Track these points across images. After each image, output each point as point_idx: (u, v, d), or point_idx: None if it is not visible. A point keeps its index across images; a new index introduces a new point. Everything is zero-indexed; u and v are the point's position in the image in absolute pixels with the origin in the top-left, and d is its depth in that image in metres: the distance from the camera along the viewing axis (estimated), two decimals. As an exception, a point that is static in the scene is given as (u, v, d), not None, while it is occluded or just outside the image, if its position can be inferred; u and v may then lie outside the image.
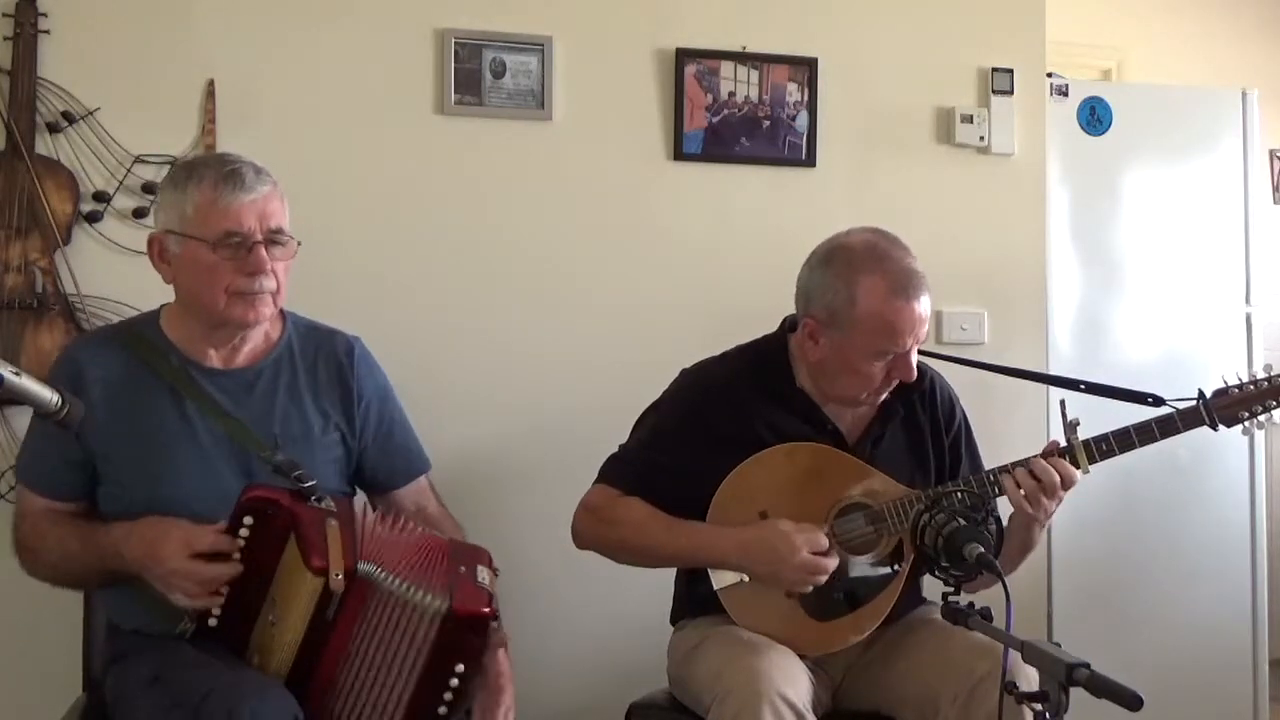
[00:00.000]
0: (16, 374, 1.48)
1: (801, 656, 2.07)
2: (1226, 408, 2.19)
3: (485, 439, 2.79)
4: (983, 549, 1.72)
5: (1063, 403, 2.21)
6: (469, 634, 1.81)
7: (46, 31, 2.55)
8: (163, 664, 1.80)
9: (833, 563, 2.08)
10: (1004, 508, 2.20)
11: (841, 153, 3.03)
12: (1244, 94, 3.49)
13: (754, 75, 2.96)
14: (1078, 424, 2.15)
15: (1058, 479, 2.09)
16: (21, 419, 2.07)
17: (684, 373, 2.29)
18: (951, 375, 2.40)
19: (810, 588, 2.10)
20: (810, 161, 3.00)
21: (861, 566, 2.14)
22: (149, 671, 1.81)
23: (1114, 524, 3.29)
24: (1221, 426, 2.19)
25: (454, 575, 1.84)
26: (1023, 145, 3.15)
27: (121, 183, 2.58)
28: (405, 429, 2.16)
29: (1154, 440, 2.18)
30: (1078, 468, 2.14)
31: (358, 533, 1.82)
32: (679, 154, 2.92)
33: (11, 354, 2.46)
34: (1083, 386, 2.46)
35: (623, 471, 2.22)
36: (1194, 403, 2.19)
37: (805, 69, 2.99)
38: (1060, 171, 3.28)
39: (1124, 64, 4.49)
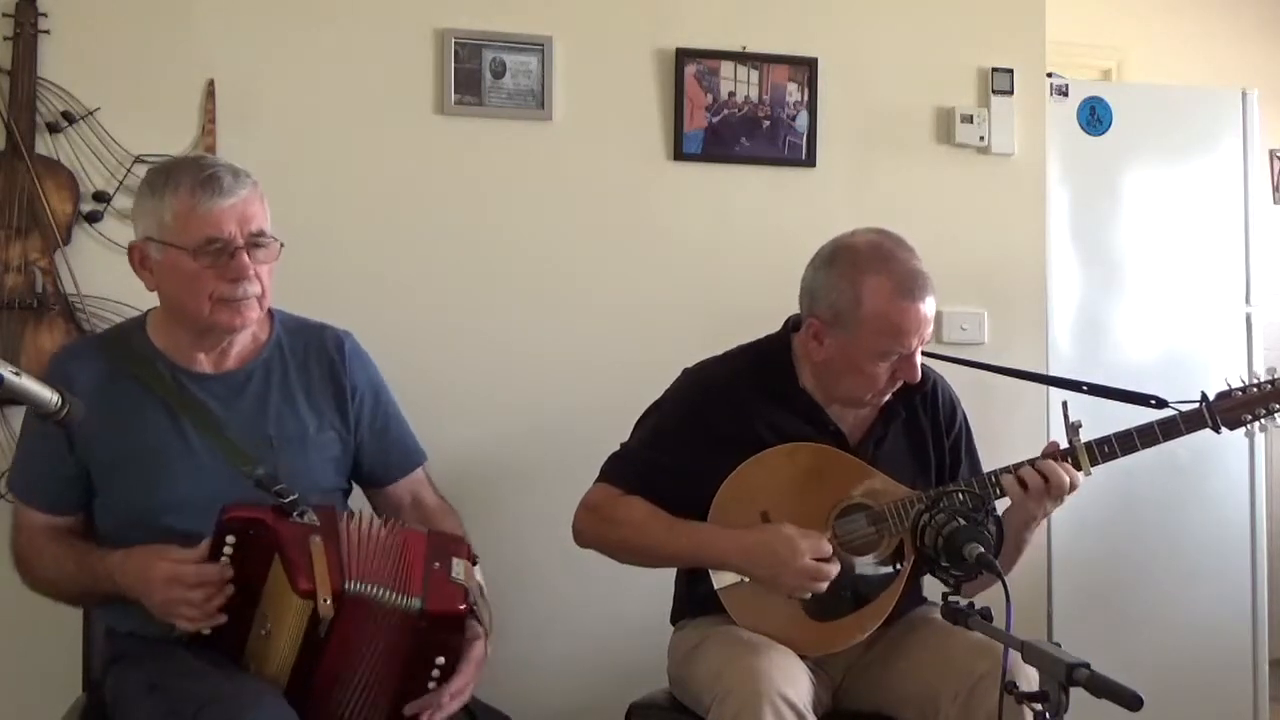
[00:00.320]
0: (16, 374, 1.48)
1: (802, 656, 2.07)
2: (1229, 410, 2.19)
3: (485, 439, 2.79)
4: (983, 549, 1.73)
5: (1065, 404, 2.21)
6: (444, 631, 1.81)
7: (46, 31, 2.55)
8: (161, 671, 1.79)
9: (834, 569, 2.08)
10: (1003, 508, 2.21)
11: (841, 153, 3.03)
12: (1244, 94, 3.49)
13: (754, 75, 2.96)
14: (1080, 426, 2.15)
15: (1067, 481, 2.09)
16: (20, 420, 2.06)
17: (686, 372, 2.29)
18: (951, 375, 2.40)
19: (810, 594, 2.10)
20: (810, 161, 3.00)
21: (863, 567, 2.14)
22: (147, 678, 1.80)
23: (1114, 524, 3.29)
24: (1224, 429, 2.19)
25: (428, 572, 1.82)
26: (1023, 145, 3.15)
27: (121, 183, 2.57)
28: (400, 422, 2.14)
29: (1156, 443, 2.18)
30: (1079, 469, 2.14)
31: (343, 546, 1.79)
32: (679, 154, 2.92)
33: (11, 354, 2.46)
34: (1085, 388, 2.46)
35: (624, 471, 2.21)
36: (1196, 405, 2.19)
37: (805, 69, 2.99)
38: (1060, 171, 3.28)
39: (1124, 64, 4.49)
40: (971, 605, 1.66)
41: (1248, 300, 3.46)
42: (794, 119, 2.99)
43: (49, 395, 1.52)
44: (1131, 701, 1.34)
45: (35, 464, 1.95)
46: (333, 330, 2.10)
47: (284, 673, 1.78)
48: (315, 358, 2.04)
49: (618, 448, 2.27)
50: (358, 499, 2.14)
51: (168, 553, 1.78)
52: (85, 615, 2.12)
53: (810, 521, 2.12)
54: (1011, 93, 3.13)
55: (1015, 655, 1.55)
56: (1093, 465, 2.15)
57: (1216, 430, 2.19)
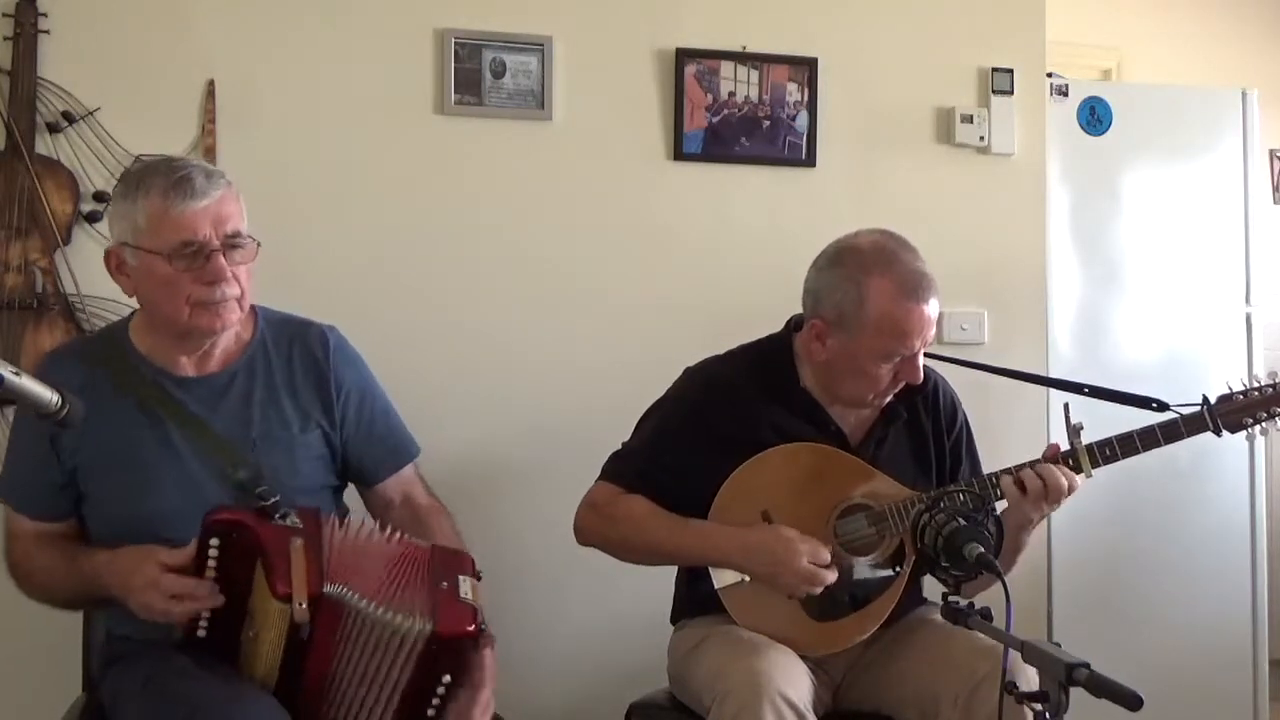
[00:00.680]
0: (16, 374, 1.47)
1: (802, 656, 2.07)
2: (1230, 413, 2.19)
3: (485, 439, 2.79)
4: (982, 549, 1.72)
5: (1066, 406, 2.21)
6: (454, 651, 1.80)
7: (46, 31, 2.55)
8: (155, 672, 1.79)
9: (832, 575, 2.08)
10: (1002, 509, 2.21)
11: (841, 153, 3.03)
12: (1244, 94, 3.48)
13: (754, 75, 2.96)
14: (1081, 428, 2.15)
15: (1065, 485, 2.09)
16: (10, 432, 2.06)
17: (687, 371, 2.29)
18: (951, 375, 2.40)
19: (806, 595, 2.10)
20: (810, 161, 3.00)
21: (863, 567, 2.14)
22: (142, 679, 1.80)
23: (1114, 524, 3.28)
24: (1225, 432, 2.19)
25: (435, 593, 1.80)
26: (1023, 145, 3.15)
27: (121, 183, 2.57)
28: (388, 418, 2.11)
29: (1157, 445, 2.18)
30: (1080, 472, 2.14)
31: (326, 549, 1.78)
32: (679, 154, 2.92)
33: (11, 354, 2.46)
34: (1087, 390, 2.45)
35: (625, 469, 2.22)
36: (1197, 408, 2.19)
37: (805, 69, 2.99)
38: (1060, 171, 3.28)
39: (1124, 64, 4.49)
40: (971, 605, 1.66)
41: (1248, 300, 3.46)
42: (794, 119, 2.99)
43: (49, 395, 1.52)
44: (1131, 701, 1.34)
45: (23, 471, 1.95)
46: (317, 327, 2.07)
47: (271, 675, 1.78)
48: (300, 355, 2.02)
49: (619, 447, 2.27)
50: (354, 500, 2.14)
51: (155, 554, 1.77)
52: (85, 615, 2.12)
53: (811, 521, 2.12)
54: (1011, 93, 3.13)
55: (1015, 655, 1.55)
56: (1094, 467, 2.15)
57: (1217, 433, 2.19)
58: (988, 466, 2.25)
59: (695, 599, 2.21)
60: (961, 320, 3.08)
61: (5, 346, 2.47)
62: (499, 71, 2.80)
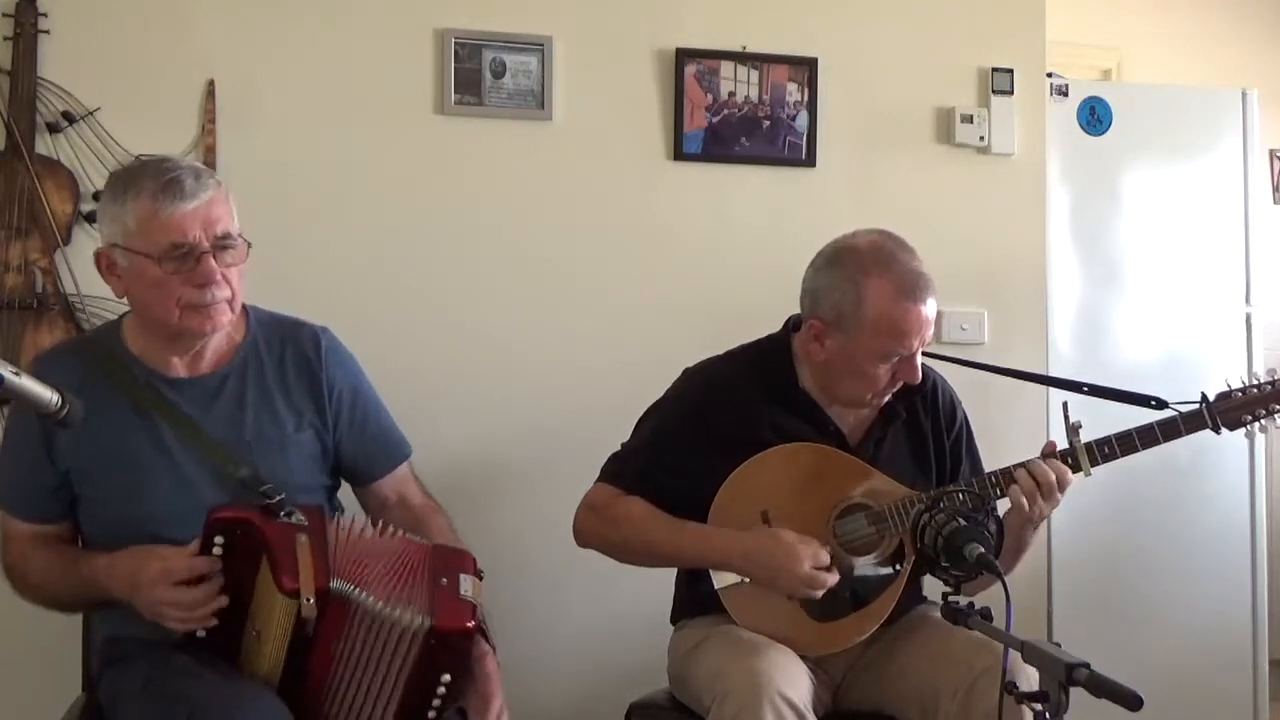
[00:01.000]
0: (16, 374, 1.47)
1: (802, 656, 2.07)
2: (1229, 411, 2.19)
3: (485, 439, 2.79)
4: (983, 549, 1.72)
5: (1065, 405, 2.21)
6: (453, 648, 1.80)
7: (46, 31, 2.55)
8: (154, 672, 1.79)
9: (833, 578, 2.08)
10: (1002, 508, 2.21)
11: (841, 153, 3.03)
12: (1244, 94, 3.48)
13: (754, 75, 2.96)
14: (1080, 426, 2.15)
15: (1054, 479, 2.09)
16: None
17: (686, 372, 2.29)
18: (951, 375, 2.40)
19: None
20: (810, 161, 3.00)
21: (863, 567, 2.14)
22: (141, 679, 1.80)
23: (1114, 524, 3.28)
24: (1224, 430, 2.20)
25: (435, 589, 1.81)
26: (1023, 145, 3.15)
27: (121, 183, 2.57)
28: (381, 417, 2.11)
29: (1156, 443, 2.18)
30: (1078, 470, 2.14)
31: (330, 546, 1.79)
32: (679, 154, 2.92)
33: (11, 354, 2.46)
34: (1085, 389, 2.46)
35: (624, 471, 2.22)
36: (1197, 406, 2.19)
37: (805, 69, 2.99)
38: (1060, 171, 3.28)
39: (1124, 64, 4.49)
40: (971, 605, 1.66)
41: (1248, 300, 3.46)
42: (794, 119, 2.99)
43: (49, 395, 1.52)
44: (1131, 701, 1.34)
45: (17, 473, 1.94)
46: (309, 327, 2.07)
47: (275, 673, 1.78)
48: (292, 356, 2.02)
49: (618, 448, 2.27)
50: (349, 502, 2.14)
51: (159, 552, 1.77)
52: (85, 616, 2.12)
53: (810, 521, 2.12)
54: (1011, 93, 3.13)
55: (1015, 655, 1.55)
56: (1093, 466, 2.16)
57: (1216, 431, 2.20)
58: (988, 466, 2.25)
59: (695, 599, 2.21)
60: (961, 320, 3.08)
61: (5, 346, 2.47)
62: (499, 71, 2.80)
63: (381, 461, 2.11)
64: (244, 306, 2.00)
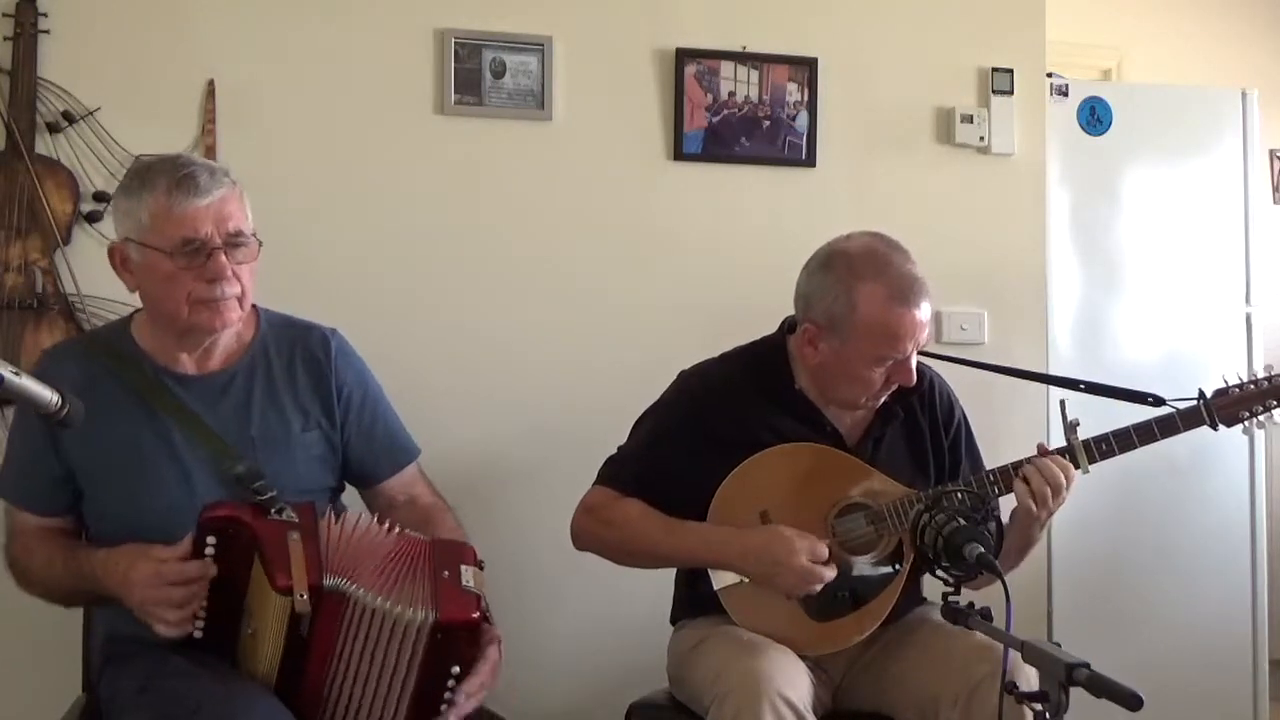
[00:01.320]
0: (16, 374, 1.48)
1: (802, 656, 2.07)
2: (1227, 407, 2.19)
3: (485, 439, 2.79)
4: (982, 549, 1.72)
5: (1063, 403, 2.21)
6: (459, 640, 1.80)
7: (46, 31, 2.55)
8: (153, 673, 1.78)
9: (831, 572, 2.08)
10: (1003, 506, 2.21)
11: (841, 153, 3.03)
12: (1244, 94, 3.49)
13: (754, 75, 2.96)
14: (1078, 424, 2.16)
15: (1062, 477, 2.09)
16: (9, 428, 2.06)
17: (683, 374, 2.29)
18: (951, 375, 2.39)
19: (805, 594, 2.10)
20: (810, 161, 3.00)
21: (862, 567, 2.14)
22: (139, 680, 1.80)
23: (1114, 524, 3.29)
24: (1222, 426, 2.20)
25: (437, 581, 1.81)
26: (1023, 145, 3.15)
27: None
28: (389, 419, 2.12)
29: (1154, 440, 2.18)
30: (1077, 468, 2.14)
31: (322, 543, 1.79)
32: (679, 154, 2.92)
33: (11, 354, 2.46)
34: (1083, 386, 2.46)
35: (621, 473, 2.21)
36: (1194, 402, 2.20)
37: (805, 69, 2.99)
38: (1060, 171, 3.28)
39: (1124, 64, 4.49)
40: (971, 605, 1.66)
41: (1248, 300, 3.46)
42: (794, 119, 2.99)
43: (49, 395, 1.52)
44: (1131, 701, 1.34)
45: (23, 466, 1.95)
46: (319, 329, 2.08)
47: (272, 673, 1.77)
48: (301, 357, 2.03)
49: (615, 451, 2.27)
50: (354, 504, 2.14)
51: (151, 551, 1.77)
52: (85, 615, 2.12)
53: (809, 521, 2.12)
54: (1011, 93, 3.13)
55: (1015, 655, 1.55)
56: (1091, 463, 2.16)
57: (1214, 427, 2.20)
58: (988, 466, 2.25)
59: (695, 599, 2.21)
60: (961, 320, 3.08)
61: (5, 346, 2.47)
62: (499, 71, 2.80)
63: (389, 463, 2.11)
64: (255, 308, 2.01)
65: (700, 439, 2.16)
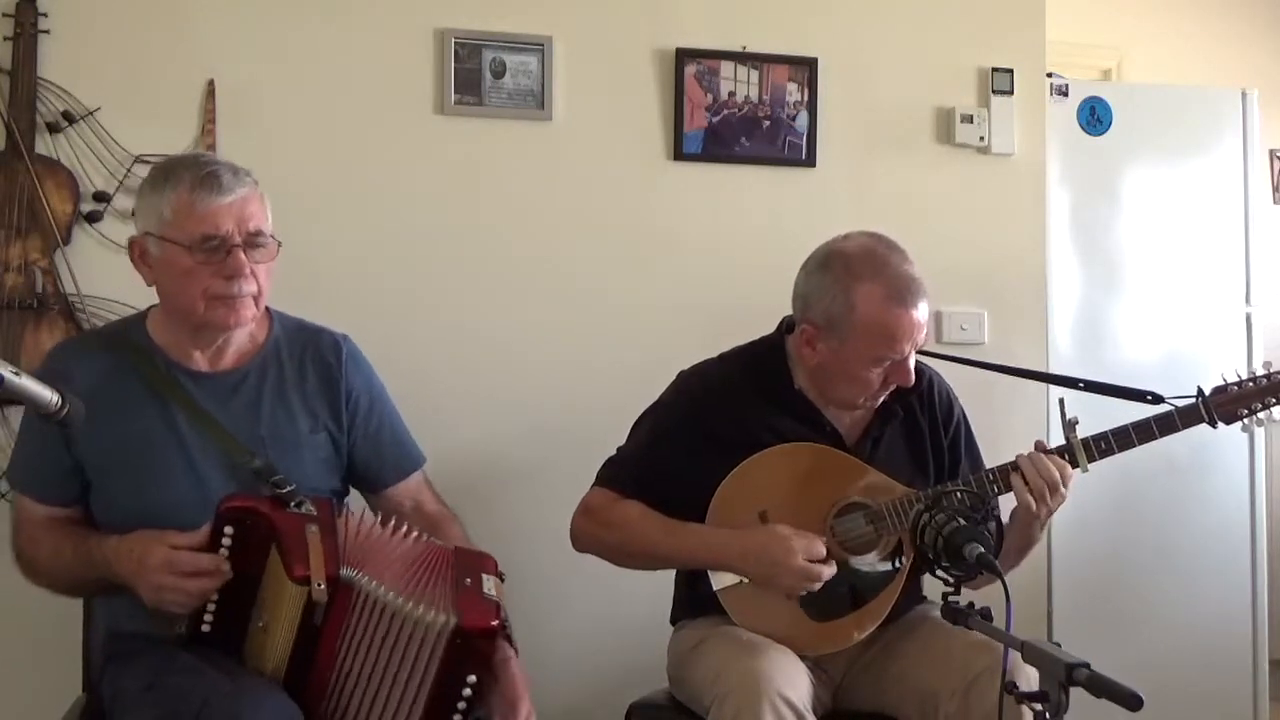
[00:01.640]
0: (16, 374, 1.48)
1: (801, 656, 2.07)
2: (1225, 405, 2.19)
3: (485, 439, 2.79)
4: (982, 549, 1.72)
5: (1062, 401, 2.21)
6: (479, 647, 1.81)
7: (46, 31, 2.55)
8: (159, 670, 1.79)
9: (829, 570, 2.08)
10: (1003, 506, 2.21)
11: (841, 153, 3.03)
12: (1244, 94, 3.49)
13: (754, 75, 2.96)
14: (1076, 423, 2.16)
15: (1058, 475, 2.09)
16: (20, 419, 2.07)
17: (682, 375, 2.29)
18: (951, 375, 2.39)
19: (805, 592, 2.10)
20: (810, 161, 3.00)
21: (861, 566, 2.14)
22: (145, 677, 1.80)
23: (1114, 524, 3.29)
24: (1221, 424, 2.20)
25: (459, 588, 1.82)
26: (1023, 145, 3.15)
27: (121, 183, 2.58)
28: (396, 426, 2.14)
29: (1153, 438, 2.18)
30: (1076, 466, 2.14)
31: (340, 537, 1.80)
32: (679, 154, 2.92)
33: (11, 354, 2.46)
34: (1082, 385, 2.46)
35: (621, 474, 2.21)
36: (1193, 400, 2.20)
37: (805, 69, 2.99)
38: (1060, 171, 3.28)
39: (1124, 64, 4.49)
40: (971, 605, 1.66)
41: (1248, 300, 3.47)
42: (794, 119, 2.99)
43: (49, 395, 1.52)
44: (1131, 701, 1.33)
45: (34, 455, 1.96)
46: (331, 334, 2.11)
47: (281, 668, 1.78)
48: (312, 360, 2.05)
49: (614, 451, 2.27)
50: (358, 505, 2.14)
51: (166, 537, 1.78)
52: (86, 615, 2.12)
53: (809, 521, 2.12)
54: (1011, 93, 3.13)
55: (1015, 655, 1.55)
56: (1089, 461, 2.16)
57: (1213, 425, 2.20)
58: (989, 465, 2.25)
59: (695, 600, 2.21)
60: (961, 320, 3.08)
61: (5, 346, 2.47)
62: (499, 71, 2.81)
63: (394, 469, 2.13)
64: (269, 310, 2.03)
65: (699, 439, 2.16)
